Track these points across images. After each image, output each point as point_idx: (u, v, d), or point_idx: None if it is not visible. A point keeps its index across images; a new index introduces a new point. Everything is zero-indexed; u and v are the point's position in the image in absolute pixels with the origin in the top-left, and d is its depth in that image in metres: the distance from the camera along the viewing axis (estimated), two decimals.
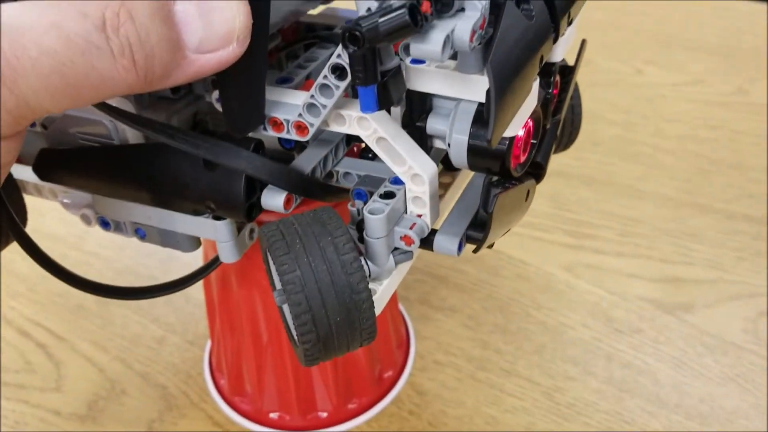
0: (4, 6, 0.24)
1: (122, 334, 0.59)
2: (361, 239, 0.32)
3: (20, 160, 0.40)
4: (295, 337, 0.31)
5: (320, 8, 0.44)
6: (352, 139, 0.37)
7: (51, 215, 0.69)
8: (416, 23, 0.25)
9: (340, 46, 0.28)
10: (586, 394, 0.53)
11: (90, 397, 0.55)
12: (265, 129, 0.33)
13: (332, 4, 0.43)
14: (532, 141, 0.34)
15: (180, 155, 0.33)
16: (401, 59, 0.29)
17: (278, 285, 0.31)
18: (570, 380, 0.54)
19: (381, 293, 0.32)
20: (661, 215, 0.68)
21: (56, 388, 0.55)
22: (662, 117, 0.82)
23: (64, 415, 0.54)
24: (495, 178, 0.32)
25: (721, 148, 0.76)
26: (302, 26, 0.44)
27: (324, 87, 0.30)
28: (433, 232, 0.33)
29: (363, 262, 0.32)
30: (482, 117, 0.30)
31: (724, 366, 0.54)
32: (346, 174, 0.37)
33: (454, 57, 0.28)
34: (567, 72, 0.38)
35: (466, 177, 0.38)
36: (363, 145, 0.37)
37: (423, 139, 0.32)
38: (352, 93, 0.31)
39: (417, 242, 0.32)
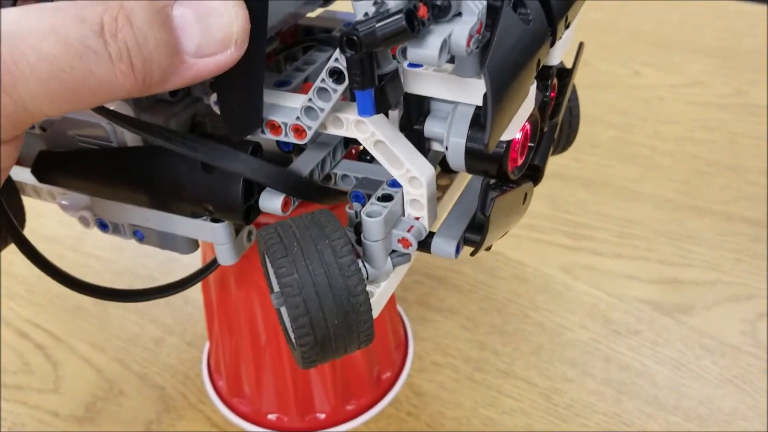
0: (3, 11, 0.24)
1: (120, 335, 0.59)
2: (359, 242, 0.32)
3: (19, 162, 0.40)
4: (293, 340, 0.31)
5: (318, 11, 0.44)
6: (350, 142, 0.37)
7: (49, 217, 0.69)
8: (413, 28, 0.25)
9: (337, 50, 0.28)
10: (584, 395, 0.53)
11: (88, 398, 0.55)
12: (263, 132, 0.33)
13: (330, 7, 0.43)
14: (529, 144, 0.34)
15: (178, 158, 0.33)
16: (398, 62, 0.29)
17: (276, 287, 0.31)
18: (568, 381, 0.54)
19: (378, 296, 0.33)
20: (659, 217, 0.68)
21: (54, 389, 0.56)
22: (660, 119, 0.82)
23: (62, 416, 0.54)
24: (492, 180, 0.32)
25: (719, 149, 0.76)
26: (300, 29, 0.44)
27: (322, 90, 0.30)
28: (431, 234, 0.34)
29: (361, 264, 0.32)
30: (480, 120, 0.30)
31: (722, 368, 0.54)
32: (344, 176, 0.37)
33: (451, 60, 0.28)
34: (565, 75, 0.38)
35: (463, 179, 0.38)
36: (361, 147, 0.37)
37: (420, 142, 0.32)
38: (350, 96, 0.31)
39: (415, 245, 0.32)
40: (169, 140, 0.32)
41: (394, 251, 0.33)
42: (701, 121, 0.81)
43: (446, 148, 0.31)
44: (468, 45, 0.26)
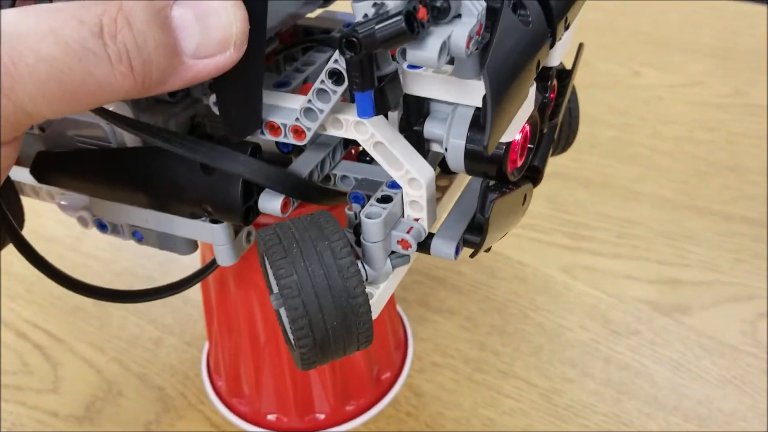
0: (2, 12, 0.24)
1: (120, 336, 0.59)
2: (359, 243, 0.32)
3: (18, 162, 0.40)
4: (292, 341, 0.31)
5: (317, 11, 0.44)
6: (349, 143, 0.37)
7: (48, 217, 0.69)
8: (413, 30, 0.25)
9: (337, 52, 0.28)
10: (584, 395, 0.53)
11: (87, 399, 0.55)
12: (262, 133, 0.33)
13: (329, 7, 0.43)
14: (529, 145, 0.34)
15: (177, 159, 0.33)
16: (398, 64, 0.29)
17: (275, 289, 0.31)
18: (567, 382, 0.54)
19: (378, 297, 0.32)
20: (659, 217, 0.68)
21: (54, 390, 0.56)
22: (659, 119, 0.82)
23: (62, 416, 0.54)
24: (492, 182, 0.32)
25: (719, 149, 0.76)
26: (300, 29, 0.44)
27: (321, 92, 0.30)
28: (431, 235, 0.33)
29: (360, 265, 0.32)
30: (479, 121, 0.30)
31: (721, 368, 0.54)
32: (344, 177, 0.37)
33: (451, 62, 0.28)
34: (564, 76, 0.38)
35: (463, 180, 0.38)
36: (360, 148, 0.37)
37: (420, 143, 0.32)
38: (349, 97, 0.31)
39: (414, 246, 0.32)
40: (168, 141, 0.32)
41: (393, 252, 0.33)
42: (700, 121, 0.81)
43: (446, 149, 0.31)
44: (467, 47, 0.26)
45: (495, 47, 0.26)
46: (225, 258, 0.38)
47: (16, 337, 0.60)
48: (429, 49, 0.25)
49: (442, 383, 0.54)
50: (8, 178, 0.41)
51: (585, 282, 0.62)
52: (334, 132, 0.32)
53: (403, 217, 0.33)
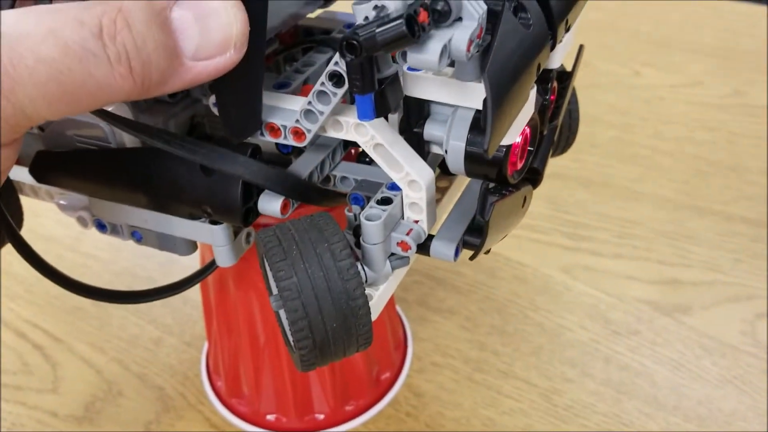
0: (1, 14, 0.24)
1: (119, 336, 0.59)
2: (358, 244, 0.32)
3: (17, 162, 0.40)
4: (292, 343, 0.31)
5: (317, 12, 0.44)
6: (349, 144, 0.37)
7: (47, 216, 0.69)
8: (413, 34, 0.24)
9: (337, 54, 0.28)
10: (584, 395, 0.53)
11: (87, 399, 0.55)
12: (262, 134, 0.33)
13: (329, 8, 0.43)
14: (529, 148, 0.34)
15: (177, 160, 0.33)
16: (398, 65, 0.29)
17: (275, 290, 0.31)
18: (567, 382, 0.54)
19: (377, 299, 0.32)
20: (659, 217, 0.68)
21: (53, 390, 0.56)
22: (660, 119, 0.82)
23: (61, 416, 0.54)
24: (492, 184, 0.32)
25: (719, 150, 0.76)
26: (300, 29, 0.44)
27: (321, 94, 0.30)
28: (430, 237, 0.33)
29: (360, 267, 0.32)
30: (480, 124, 0.30)
31: (722, 368, 0.54)
32: (343, 178, 0.37)
33: (451, 64, 0.28)
34: (564, 77, 0.38)
35: (462, 181, 0.38)
36: (360, 148, 0.37)
37: (420, 145, 0.32)
38: (349, 99, 0.31)
39: (414, 248, 0.32)
40: (168, 143, 0.32)
41: (393, 254, 0.33)
42: (701, 121, 0.81)
43: (446, 151, 0.31)
44: (468, 50, 0.26)
45: (496, 50, 0.26)
46: (224, 259, 0.38)
47: (16, 337, 0.60)
48: (430, 53, 0.25)
49: (442, 383, 0.54)
50: (7, 178, 0.41)
51: (585, 282, 0.62)
52: (334, 134, 0.32)
53: (403, 218, 0.33)
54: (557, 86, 0.37)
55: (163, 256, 0.61)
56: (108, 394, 0.55)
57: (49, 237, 0.69)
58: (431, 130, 0.32)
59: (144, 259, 0.66)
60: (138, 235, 0.40)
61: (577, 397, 0.53)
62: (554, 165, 0.57)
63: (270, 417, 0.51)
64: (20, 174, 0.40)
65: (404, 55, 0.26)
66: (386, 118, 0.32)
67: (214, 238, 0.37)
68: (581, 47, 0.39)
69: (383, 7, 0.25)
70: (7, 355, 0.58)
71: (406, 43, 0.25)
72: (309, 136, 0.32)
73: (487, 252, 0.35)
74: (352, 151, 0.39)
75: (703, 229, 0.66)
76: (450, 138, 0.30)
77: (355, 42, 0.25)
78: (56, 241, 0.69)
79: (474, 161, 0.31)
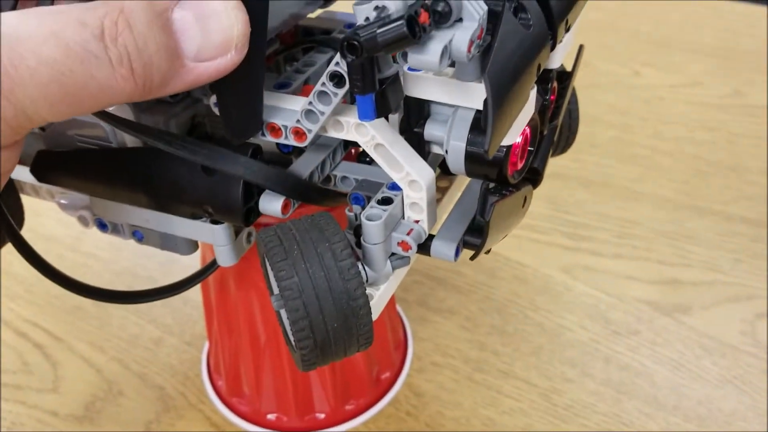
0: (3, 15, 0.24)
1: (120, 335, 0.59)
2: (359, 244, 0.32)
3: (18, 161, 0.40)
4: (293, 342, 0.31)
5: (317, 11, 0.44)
6: (349, 143, 0.37)
7: (48, 216, 0.69)
8: (414, 35, 0.24)
9: (338, 55, 0.28)
10: (584, 395, 0.53)
11: (87, 398, 0.55)
12: (263, 134, 0.33)
13: (330, 8, 0.43)
14: (529, 148, 0.34)
15: (178, 160, 0.33)
16: (399, 66, 0.29)
17: (276, 290, 0.31)
18: (567, 382, 0.54)
19: (378, 298, 0.33)
20: (659, 217, 0.68)
21: (53, 389, 0.56)
22: (660, 119, 0.82)
23: (62, 416, 0.54)
24: (492, 184, 0.32)
25: (719, 150, 0.76)
26: (300, 29, 0.44)
27: (322, 94, 0.30)
28: (431, 237, 0.33)
29: (360, 267, 0.32)
30: (480, 124, 0.30)
31: (721, 368, 0.54)
32: (344, 178, 0.37)
33: (452, 64, 0.28)
34: (564, 77, 0.38)
35: (463, 181, 0.38)
36: (361, 148, 0.37)
37: (420, 145, 0.32)
38: (350, 99, 0.31)
39: (414, 248, 0.32)
40: (170, 144, 0.32)
41: (393, 254, 0.33)
42: (701, 121, 0.81)
43: (446, 151, 0.31)
44: (469, 51, 0.26)
45: (496, 51, 0.26)
46: (225, 259, 0.38)
47: (16, 336, 0.60)
48: (430, 53, 0.25)
49: (442, 383, 0.54)
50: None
51: (585, 282, 0.62)
52: (334, 134, 0.32)
53: (404, 218, 0.33)
54: (557, 86, 0.37)
55: (163, 256, 0.61)
56: (108, 393, 0.55)
57: (50, 236, 0.69)
58: (432, 131, 0.32)
59: (144, 258, 0.66)
60: (139, 235, 0.40)
61: (577, 397, 0.53)
62: (554, 165, 0.58)
63: (271, 416, 0.51)
64: (21, 173, 0.40)
65: (405, 56, 0.27)
66: (387, 119, 0.32)
67: (215, 238, 0.37)
68: (581, 47, 0.39)
69: (384, 8, 0.25)
70: (7, 355, 0.58)
71: (407, 43, 0.25)
72: (310, 137, 0.32)
73: (488, 252, 0.35)
74: (353, 150, 0.40)
75: (703, 229, 0.66)
76: (450, 138, 0.31)
77: (356, 42, 0.25)
78: (57, 240, 0.69)
79: (474, 161, 0.31)
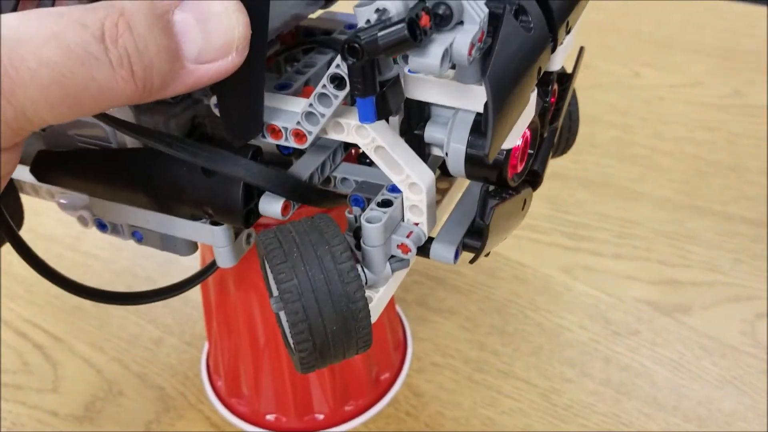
0: (3, 17, 0.24)
1: (119, 335, 0.59)
2: (358, 246, 0.32)
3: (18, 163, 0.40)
4: (292, 345, 0.31)
5: (318, 12, 0.44)
6: (350, 145, 0.37)
7: (48, 216, 0.69)
8: (415, 38, 0.24)
9: (339, 57, 0.28)
10: (584, 395, 0.53)
11: (87, 398, 0.55)
12: (263, 136, 0.33)
13: (330, 8, 0.43)
14: (529, 151, 0.34)
15: (178, 161, 0.33)
16: (400, 67, 0.29)
17: (275, 292, 0.31)
18: (567, 382, 0.54)
19: (377, 301, 0.33)
20: (659, 217, 0.68)
21: (53, 389, 0.56)
22: (660, 119, 0.82)
23: (62, 416, 0.54)
24: (492, 187, 0.32)
25: (719, 150, 0.76)
26: (300, 30, 0.44)
27: (323, 96, 0.30)
28: (430, 239, 0.33)
29: (360, 269, 0.32)
30: (480, 126, 0.30)
31: (721, 368, 0.54)
32: (344, 179, 0.37)
33: (452, 66, 0.28)
34: (565, 79, 0.38)
35: (463, 182, 0.38)
36: (361, 149, 0.37)
37: (421, 147, 0.32)
38: (350, 101, 0.31)
39: (414, 250, 0.32)
40: (170, 146, 0.32)
41: (393, 256, 0.33)
42: (701, 121, 0.81)
43: (446, 153, 0.31)
44: (470, 54, 0.26)
45: (497, 54, 0.26)
46: (225, 260, 0.38)
47: (16, 336, 0.60)
48: (431, 57, 0.25)
49: (441, 383, 0.54)
50: None
51: (585, 282, 0.62)
52: (335, 136, 0.32)
53: (403, 221, 0.33)
54: (558, 88, 0.37)
55: (163, 256, 0.61)
56: (108, 393, 0.55)
57: (50, 236, 0.69)
58: (432, 133, 0.32)
59: (144, 258, 0.66)
60: (138, 235, 0.40)
61: (576, 397, 0.53)
62: (554, 165, 0.58)
63: (270, 417, 0.51)
64: (21, 172, 0.40)
65: (406, 57, 0.27)
66: (387, 121, 0.32)
67: (214, 239, 0.37)
68: (582, 49, 0.39)
69: (385, 10, 0.25)
70: (8, 355, 0.58)
71: (408, 47, 0.25)
72: (310, 139, 0.32)
73: (487, 255, 0.35)
74: (353, 151, 0.40)
75: (703, 229, 0.66)
76: (451, 140, 0.30)
77: (356, 45, 0.25)
78: (57, 240, 0.69)
79: (474, 164, 0.31)
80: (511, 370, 0.55)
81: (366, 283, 0.32)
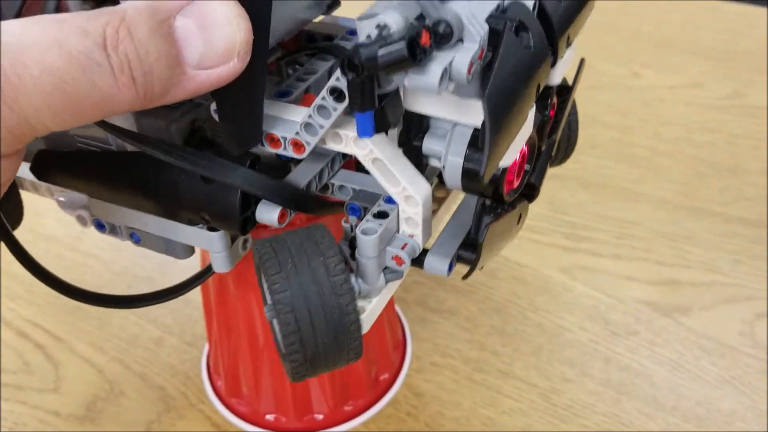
0: (5, 23, 0.24)
1: (120, 335, 0.59)
2: (353, 256, 0.32)
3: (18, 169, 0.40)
4: (283, 353, 0.31)
5: (320, 17, 0.44)
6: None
7: (48, 216, 0.69)
8: (415, 58, 0.24)
9: (338, 71, 0.28)
10: (583, 395, 0.53)
11: (88, 398, 0.55)
12: (262, 144, 0.33)
13: (333, 13, 0.43)
14: (526, 167, 0.33)
15: (176, 166, 0.33)
16: (399, 78, 0.29)
17: (269, 300, 0.31)
18: (567, 382, 0.54)
19: (370, 311, 0.33)
20: (658, 218, 0.68)
21: (55, 389, 0.56)
22: (659, 120, 0.81)
23: (63, 416, 0.54)
24: (488, 201, 0.32)
25: (718, 151, 0.76)
26: (302, 35, 0.43)
27: (322, 108, 0.30)
28: (425, 251, 0.34)
29: (353, 280, 0.32)
30: (478, 141, 0.30)
31: (721, 369, 0.55)
32: (341, 187, 0.37)
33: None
34: (564, 92, 0.38)
35: (460, 192, 0.38)
36: None
37: (418, 158, 0.32)
38: (350, 110, 0.31)
39: (408, 262, 0.32)
40: (169, 153, 0.32)
41: (387, 267, 0.33)
42: (700, 122, 0.81)
43: (443, 166, 0.31)
44: (469, 73, 0.26)
45: (496, 73, 0.25)
46: (221, 265, 0.39)
47: (17, 336, 0.60)
48: (430, 75, 0.25)
49: (441, 383, 0.55)
50: None
51: (584, 283, 0.62)
52: (333, 146, 0.32)
53: (398, 232, 0.33)
54: (557, 101, 0.37)
55: (163, 257, 0.61)
56: (109, 393, 0.55)
57: (50, 236, 0.69)
58: (430, 145, 0.32)
59: (144, 258, 0.66)
60: (136, 237, 0.40)
61: (576, 397, 0.53)
62: None
63: (269, 417, 0.51)
64: (21, 169, 0.40)
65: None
66: (386, 133, 0.32)
67: (211, 245, 0.37)
68: (582, 61, 0.39)
69: (386, 26, 0.25)
70: (8, 355, 0.58)
71: (407, 66, 0.25)
72: (308, 149, 0.32)
73: (481, 268, 0.35)
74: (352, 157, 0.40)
75: (702, 230, 0.67)
76: (448, 153, 0.30)
77: (356, 61, 0.25)
78: (57, 240, 0.69)
79: (471, 178, 0.30)
80: (511, 370, 0.55)
81: (359, 293, 0.32)
